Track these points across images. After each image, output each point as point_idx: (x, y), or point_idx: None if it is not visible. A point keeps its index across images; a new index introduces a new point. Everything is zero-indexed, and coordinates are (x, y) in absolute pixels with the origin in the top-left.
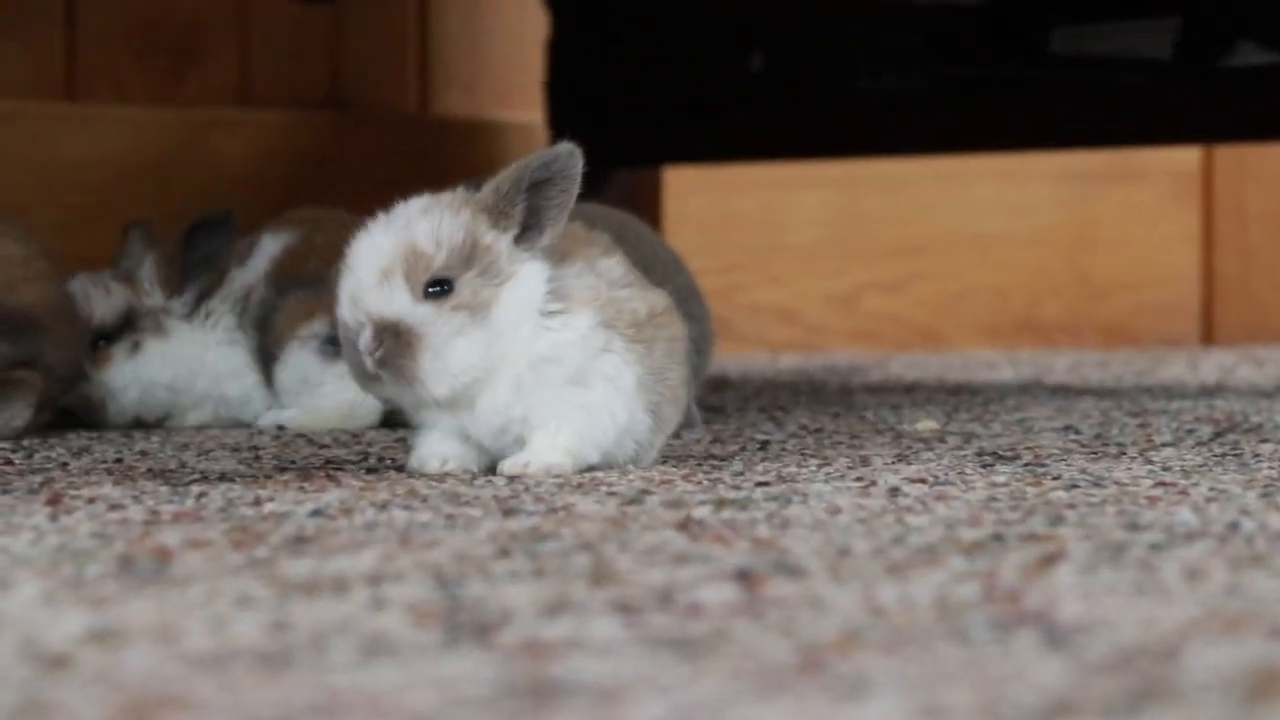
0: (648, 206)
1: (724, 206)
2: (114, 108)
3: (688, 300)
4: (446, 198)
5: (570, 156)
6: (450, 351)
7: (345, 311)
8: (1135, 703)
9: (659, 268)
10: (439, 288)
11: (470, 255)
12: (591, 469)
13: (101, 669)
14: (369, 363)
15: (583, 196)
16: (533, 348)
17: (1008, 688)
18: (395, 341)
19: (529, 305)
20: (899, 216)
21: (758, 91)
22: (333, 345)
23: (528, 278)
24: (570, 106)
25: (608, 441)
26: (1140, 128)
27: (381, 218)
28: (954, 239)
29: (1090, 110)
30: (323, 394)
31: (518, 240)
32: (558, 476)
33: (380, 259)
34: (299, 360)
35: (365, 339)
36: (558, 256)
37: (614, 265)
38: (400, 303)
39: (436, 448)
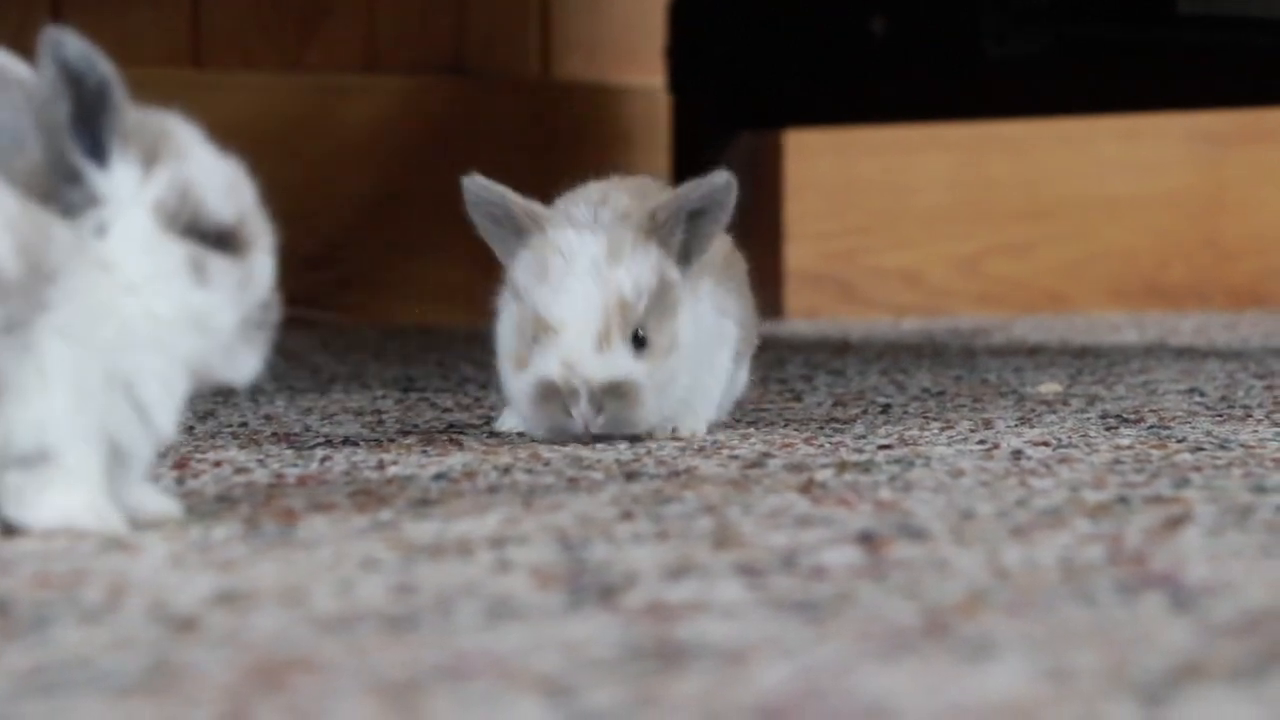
0: (769, 170)
1: (847, 170)
2: (240, 74)
3: None
4: (629, 233)
5: (727, 187)
6: (665, 397)
7: (555, 373)
8: (1262, 665)
9: None
10: (638, 334)
11: (660, 295)
12: (712, 432)
13: (229, 631)
14: (587, 425)
15: (705, 159)
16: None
17: (1134, 650)
18: (620, 402)
19: (704, 315)
20: (1024, 179)
21: (882, 54)
22: None
23: (697, 297)
24: (692, 70)
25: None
26: (1270, 88)
27: (575, 260)
28: (1080, 201)
29: (1219, 70)
30: None
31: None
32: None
33: (594, 319)
34: None
35: (584, 406)
36: None
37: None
38: (623, 364)
39: None
